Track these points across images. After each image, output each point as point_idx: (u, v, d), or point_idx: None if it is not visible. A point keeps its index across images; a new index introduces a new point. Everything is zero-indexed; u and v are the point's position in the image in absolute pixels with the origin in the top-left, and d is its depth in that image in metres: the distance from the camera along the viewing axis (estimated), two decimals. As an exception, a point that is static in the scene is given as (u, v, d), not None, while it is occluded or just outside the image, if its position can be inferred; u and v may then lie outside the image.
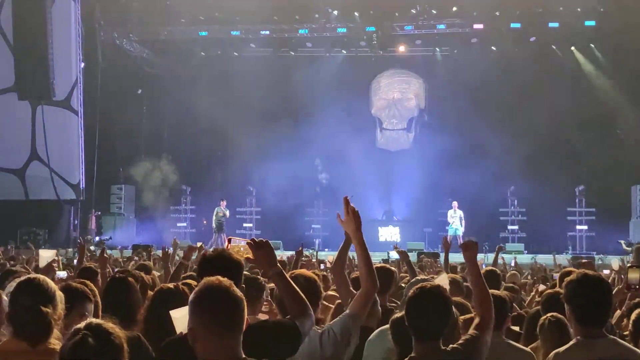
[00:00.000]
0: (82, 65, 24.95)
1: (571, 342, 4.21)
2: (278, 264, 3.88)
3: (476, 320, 4.20)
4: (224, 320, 2.95)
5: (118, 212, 26.12)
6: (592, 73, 25.88)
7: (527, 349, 4.91)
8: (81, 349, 2.76)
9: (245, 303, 3.05)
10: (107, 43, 25.85)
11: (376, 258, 8.75)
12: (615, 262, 13.49)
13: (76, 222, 25.14)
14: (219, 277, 3.06)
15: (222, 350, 2.94)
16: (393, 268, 6.96)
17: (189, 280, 4.92)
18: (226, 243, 4.16)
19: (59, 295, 3.68)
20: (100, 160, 25.31)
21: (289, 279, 3.89)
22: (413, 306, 3.91)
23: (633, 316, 4.89)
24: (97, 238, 24.58)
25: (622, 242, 22.19)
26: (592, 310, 4.17)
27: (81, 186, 24.96)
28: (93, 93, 25.09)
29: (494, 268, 10.03)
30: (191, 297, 3.02)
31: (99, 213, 25.70)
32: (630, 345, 4.25)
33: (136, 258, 17.24)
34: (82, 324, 2.85)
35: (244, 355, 3.00)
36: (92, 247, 22.02)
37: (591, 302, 4.17)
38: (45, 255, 6.71)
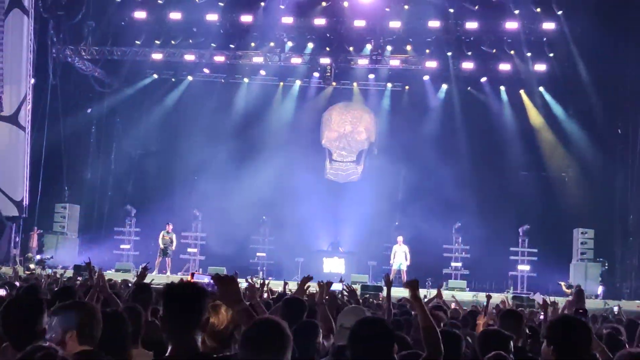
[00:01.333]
0: (33, 81, 24.66)
1: None
2: (243, 300, 3.98)
3: (424, 356, 4.24)
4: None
5: (61, 231, 25.61)
6: (539, 116, 26.28)
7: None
8: None
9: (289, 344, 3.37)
10: (59, 60, 25.56)
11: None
12: (538, 296, 13.71)
13: (17, 239, 24.62)
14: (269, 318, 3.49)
15: None
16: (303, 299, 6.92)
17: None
18: (189, 277, 4.16)
19: None
20: (46, 178, 24.92)
21: (255, 314, 3.98)
22: (355, 338, 3.90)
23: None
24: (37, 257, 24.10)
25: (562, 283, 22.36)
26: (573, 351, 4.38)
27: (24, 203, 24.53)
28: (42, 110, 24.77)
29: (439, 303, 10.10)
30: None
31: (41, 231, 25.23)
32: None
33: (79, 278, 17.01)
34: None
35: None
36: (31, 266, 21.64)
37: (572, 343, 4.40)
38: None
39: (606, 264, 23.87)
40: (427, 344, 4.26)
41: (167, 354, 3.70)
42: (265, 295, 11.41)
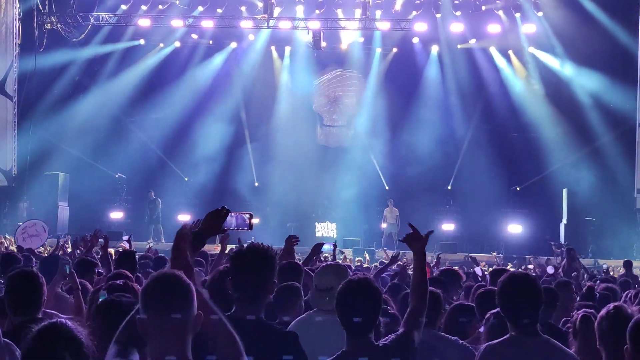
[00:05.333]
0: (18, 49, 24.33)
1: (504, 337, 4.30)
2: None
3: (406, 315, 4.20)
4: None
5: (52, 200, 25.32)
6: (527, 77, 26.25)
7: (462, 341, 4.96)
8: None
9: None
10: (45, 28, 25.07)
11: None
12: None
13: (6, 209, 24.47)
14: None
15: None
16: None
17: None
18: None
19: None
20: (34, 146, 24.65)
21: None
22: (343, 300, 3.87)
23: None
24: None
25: (553, 244, 22.60)
26: (521, 308, 4.26)
27: (13, 173, 24.38)
28: (29, 78, 24.43)
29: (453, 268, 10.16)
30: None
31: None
32: (562, 346, 4.35)
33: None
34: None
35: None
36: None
37: (519, 300, 4.26)
38: None
39: (596, 222, 24.03)
40: (415, 296, 4.24)
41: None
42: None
